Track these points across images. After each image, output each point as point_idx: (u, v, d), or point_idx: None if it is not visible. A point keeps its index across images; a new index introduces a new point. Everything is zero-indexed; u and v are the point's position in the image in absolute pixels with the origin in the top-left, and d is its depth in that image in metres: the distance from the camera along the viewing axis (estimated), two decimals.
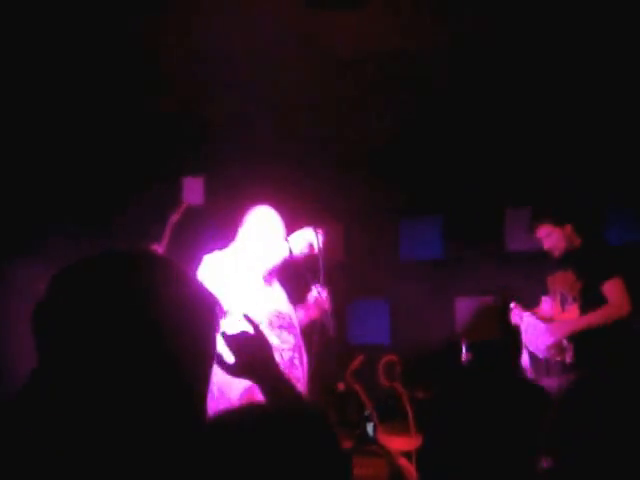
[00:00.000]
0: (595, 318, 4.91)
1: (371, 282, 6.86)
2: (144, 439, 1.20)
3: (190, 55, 5.26)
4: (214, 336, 1.32)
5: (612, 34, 5.03)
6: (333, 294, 4.55)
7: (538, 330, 5.11)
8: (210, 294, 1.33)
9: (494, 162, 6.76)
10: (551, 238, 5.21)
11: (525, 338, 5.22)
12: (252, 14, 4.69)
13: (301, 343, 4.26)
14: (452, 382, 6.12)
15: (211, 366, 1.31)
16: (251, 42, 5.01)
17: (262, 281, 4.22)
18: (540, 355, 5.10)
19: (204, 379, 1.29)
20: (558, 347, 5.01)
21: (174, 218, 4.87)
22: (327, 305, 4.35)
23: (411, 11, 4.71)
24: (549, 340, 5.02)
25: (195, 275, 1.44)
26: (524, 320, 5.22)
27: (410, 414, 5.58)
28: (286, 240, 4.25)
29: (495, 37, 5.08)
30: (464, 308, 6.85)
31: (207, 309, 1.31)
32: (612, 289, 4.91)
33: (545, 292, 5.33)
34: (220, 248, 4.27)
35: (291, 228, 4.38)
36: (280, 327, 4.14)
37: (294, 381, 4.04)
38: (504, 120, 6.33)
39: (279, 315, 4.17)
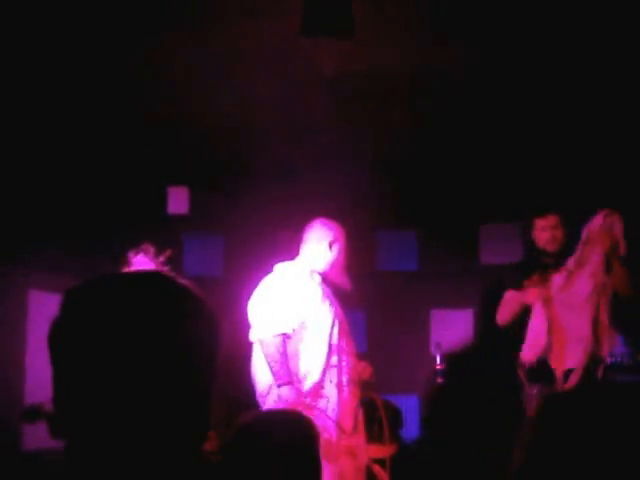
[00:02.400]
0: None
1: (348, 292, 6.89)
2: (151, 449, 1.24)
3: (179, 69, 5.28)
4: (217, 352, 1.36)
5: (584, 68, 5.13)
6: None
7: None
8: (215, 313, 1.37)
9: (471, 180, 6.87)
10: (556, 231, 5.21)
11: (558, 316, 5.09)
12: (243, 35, 4.74)
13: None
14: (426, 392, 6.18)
15: (213, 378, 1.35)
16: (240, 61, 5.05)
17: (326, 288, 4.75)
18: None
19: (208, 390, 1.34)
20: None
21: (159, 260, 4.86)
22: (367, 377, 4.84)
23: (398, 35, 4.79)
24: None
25: (198, 292, 1.48)
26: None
27: (385, 423, 5.61)
28: (344, 247, 4.83)
29: (478, 64, 5.17)
30: (439, 320, 6.93)
31: (212, 327, 1.36)
32: None
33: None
34: (289, 259, 4.78)
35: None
36: (347, 331, 4.69)
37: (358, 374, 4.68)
38: (481, 141, 6.42)
39: (344, 320, 4.71)
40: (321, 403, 4.53)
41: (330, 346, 4.54)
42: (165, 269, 4.73)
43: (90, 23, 4.68)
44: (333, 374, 4.55)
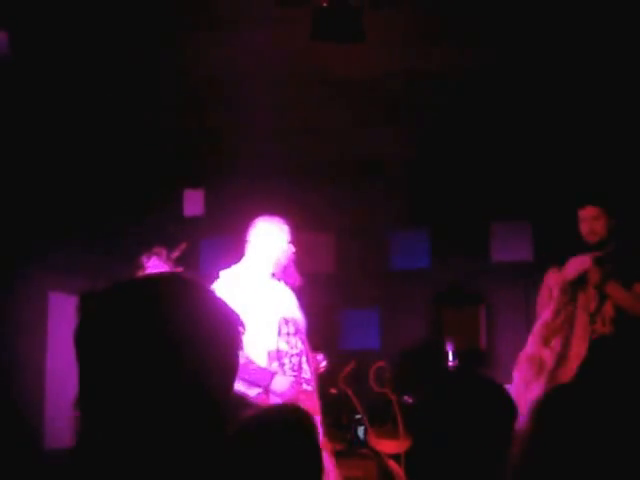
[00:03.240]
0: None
1: (362, 290, 6.92)
2: (171, 451, 1.26)
3: (195, 72, 5.32)
4: (237, 352, 1.37)
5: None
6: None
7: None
8: (233, 312, 1.37)
9: (481, 179, 6.88)
10: (597, 222, 4.91)
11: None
12: (257, 39, 4.78)
13: (308, 348, 4.54)
14: (438, 387, 6.18)
15: (233, 380, 1.36)
16: (255, 64, 5.08)
17: (272, 289, 4.51)
18: None
19: (227, 392, 1.35)
20: None
21: (174, 255, 4.87)
22: (322, 370, 4.66)
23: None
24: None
25: (218, 294, 1.50)
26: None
27: (399, 418, 5.64)
28: (289, 244, 4.55)
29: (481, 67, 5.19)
30: (451, 317, 6.95)
31: (231, 327, 1.36)
32: None
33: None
34: (234, 263, 4.54)
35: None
36: (287, 334, 4.44)
37: (302, 382, 4.43)
38: (490, 139, 6.43)
39: (287, 322, 4.46)
40: None
41: (268, 353, 4.38)
42: (179, 269, 4.76)
43: (112, 28, 4.72)
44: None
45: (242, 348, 1.44)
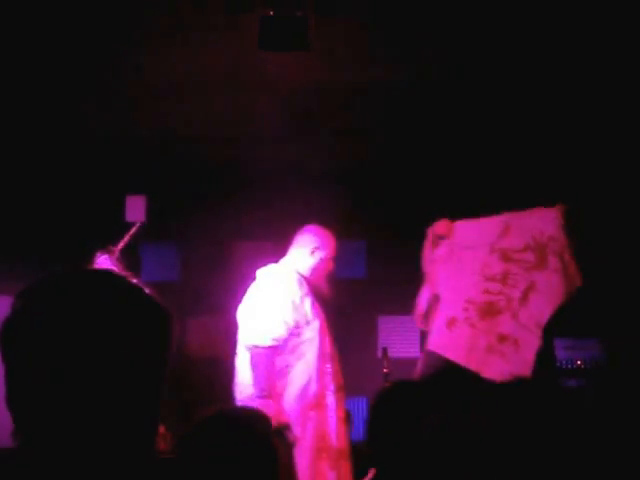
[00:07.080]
0: None
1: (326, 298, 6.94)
2: (100, 448, 1.21)
3: (139, 78, 5.29)
4: (169, 348, 1.33)
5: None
6: None
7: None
8: (166, 310, 1.34)
9: (413, 194, 6.93)
10: None
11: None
12: (203, 46, 4.73)
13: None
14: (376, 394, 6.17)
15: (165, 376, 1.32)
16: (199, 71, 5.04)
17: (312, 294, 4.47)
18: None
19: (159, 389, 1.31)
20: None
21: (120, 265, 4.85)
22: None
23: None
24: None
25: (149, 291, 1.47)
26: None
27: None
28: (331, 256, 4.56)
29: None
30: (386, 326, 6.94)
31: (163, 325, 1.33)
32: None
33: None
34: (272, 262, 4.52)
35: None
36: (331, 336, 4.51)
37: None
38: (426, 155, 6.47)
39: (329, 325, 4.53)
40: (328, 412, 4.26)
41: (323, 354, 4.34)
42: (125, 272, 4.70)
43: (57, 36, 4.65)
44: (328, 381, 4.34)
45: (171, 349, 1.37)
